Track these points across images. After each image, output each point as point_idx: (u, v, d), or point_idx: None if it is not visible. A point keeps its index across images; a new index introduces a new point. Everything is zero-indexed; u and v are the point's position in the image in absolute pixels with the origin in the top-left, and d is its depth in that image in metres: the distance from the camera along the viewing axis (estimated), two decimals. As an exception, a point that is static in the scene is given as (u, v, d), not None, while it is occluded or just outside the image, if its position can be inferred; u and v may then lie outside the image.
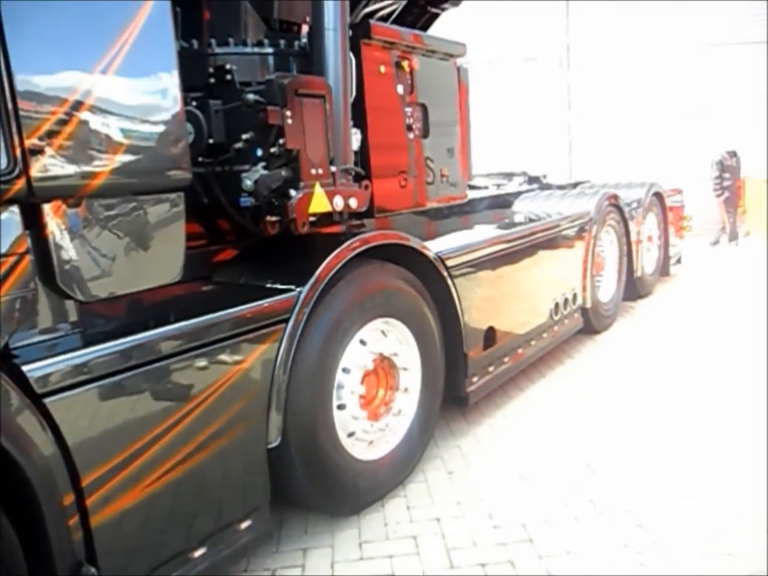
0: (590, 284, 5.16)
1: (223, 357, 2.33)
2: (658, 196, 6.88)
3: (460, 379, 3.56)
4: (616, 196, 5.76)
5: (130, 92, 2.08)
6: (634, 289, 6.27)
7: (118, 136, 2.03)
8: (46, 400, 1.81)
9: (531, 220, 4.82)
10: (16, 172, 1.81)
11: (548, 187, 6.65)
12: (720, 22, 10.63)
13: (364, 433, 2.96)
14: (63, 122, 1.90)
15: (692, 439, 3.42)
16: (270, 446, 2.51)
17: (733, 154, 9.71)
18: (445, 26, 4.88)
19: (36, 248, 1.92)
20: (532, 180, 6.97)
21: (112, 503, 1.98)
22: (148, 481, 2.08)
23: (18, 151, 1.80)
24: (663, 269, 7.20)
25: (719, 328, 5.50)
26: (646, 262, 6.61)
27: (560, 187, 6.50)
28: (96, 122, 1.98)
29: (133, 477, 2.04)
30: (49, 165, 1.87)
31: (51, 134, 1.87)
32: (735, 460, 3.18)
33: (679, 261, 7.72)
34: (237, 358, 2.37)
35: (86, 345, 1.98)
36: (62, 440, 1.84)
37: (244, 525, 2.44)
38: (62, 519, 1.84)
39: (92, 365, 1.93)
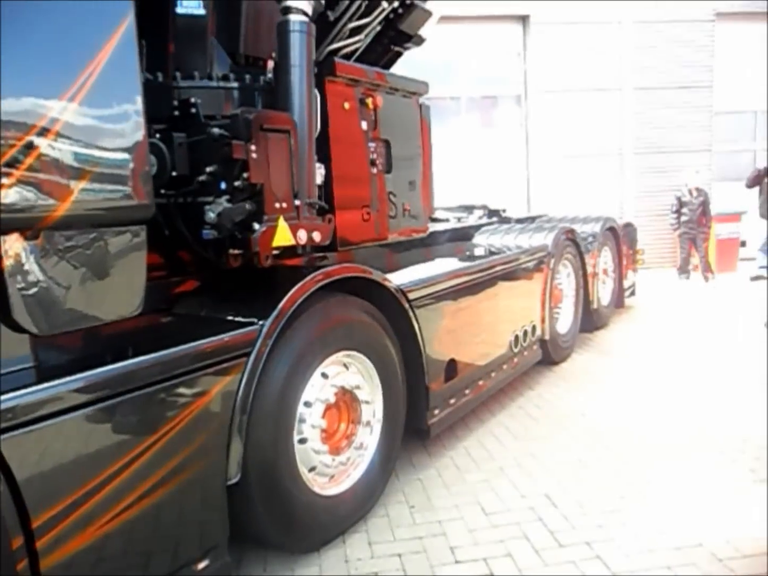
0: (549, 316, 5.27)
1: (183, 391, 2.29)
2: (612, 229, 7.11)
3: (422, 411, 3.56)
4: (572, 231, 5.92)
5: (93, 123, 2.07)
6: (590, 320, 6.43)
7: (79, 168, 2.01)
8: (-3, 438, 1.75)
9: (491, 254, 4.91)
10: (-28, 203, 1.77)
11: (508, 220, 6.80)
12: (667, 66, 11.16)
13: (326, 468, 2.93)
14: (23, 152, 1.87)
15: (653, 464, 3.49)
16: (229, 482, 2.46)
17: (698, 191, 9.81)
18: (407, 65, 5.00)
19: (-9, 281, 1.88)
20: (492, 213, 7.12)
21: (64, 545, 1.92)
22: (102, 521, 2.02)
23: (-25, 182, 1.77)
24: (618, 301, 7.40)
25: (671, 355, 5.68)
26: (602, 294, 6.80)
27: (519, 221, 6.65)
28: (57, 153, 1.96)
29: (86, 517, 1.97)
30: (7, 196, 1.84)
31: (10, 164, 1.84)
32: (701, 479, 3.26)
33: (633, 293, 7.95)
34: (197, 392, 2.33)
35: (40, 381, 1.92)
36: (12, 480, 1.78)
37: (202, 565, 2.38)
38: (10, 563, 1.77)
39: (46, 402, 1.88)
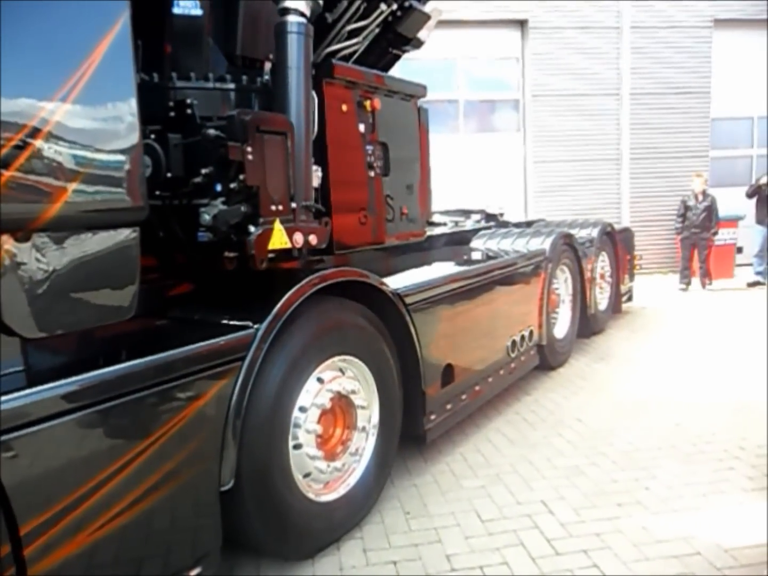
0: (546, 321, 5.25)
1: (177, 396, 2.26)
2: (610, 235, 7.10)
3: (418, 417, 3.53)
4: (570, 236, 5.91)
5: (87, 124, 2.03)
6: (587, 326, 6.42)
7: (72, 168, 1.98)
8: (-17, 444, 1.72)
9: (489, 258, 4.89)
10: (-37, 204, 1.74)
11: (505, 225, 6.79)
12: (664, 72, 11.19)
13: (320, 474, 2.89)
14: (15, 153, 1.84)
15: (650, 471, 3.47)
16: (223, 488, 2.43)
17: (704, 196, 9.63)
18: (405, 68, 4.98)
19: (-20, 283, 1.84)
20: (490, 218, 7.11)
21: (53, 553, 1.88)
22: (92, 527, 1.98)
23: (-34, 183, 1.74)
24: (615, 306, 7.38)
25: (669, 360, 5.66)
26: (599, 299, 6.78)
27: (517, 225, 6.64)
28: (50, 153, 1.93)
29: (76, 524, 1.94)
30: (-1, 197, 1.81)
31: (2, 165, 1.81)
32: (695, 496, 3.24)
33: (630, 298, 7.94)
34: (191, 396, 2.30)
35: (30, 385, 1.89)
36: (0, 486, 1.74)
37: (194, 572, 2.33)
38: (-3, 572, 1.74)
39: (35, 406, 1.84)
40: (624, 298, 7.68)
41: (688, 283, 9.81)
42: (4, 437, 1.76)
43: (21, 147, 1.85)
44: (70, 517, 1.92)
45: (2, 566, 1.74)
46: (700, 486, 3.33)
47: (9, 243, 1.87)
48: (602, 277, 6.90)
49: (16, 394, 1.82)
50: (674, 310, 8.21)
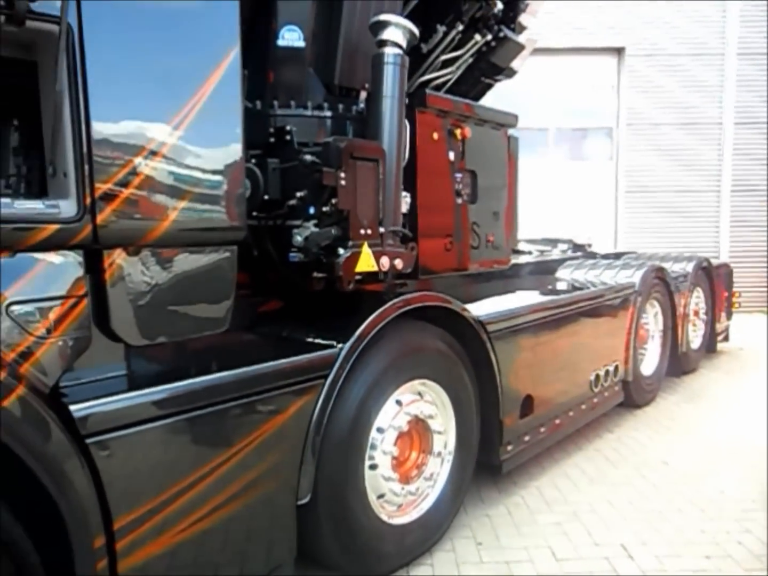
0: (633, 357, 5.06)
1: (262, 408, 2.36)
2: (706, 270, 6.78)
3: (495, 446, 3.49)
4: (662, 269, 5.69)
5: (196, 148, 2.18)
6: (678, 364, 6.13)
7: (180, 190, 2.13)
8: (88, 441, 1.85)
9: (575, 288, 4.79)
10: (84, 219, 1.91)
11: (593, 256, 6.63)
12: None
13: (394, 496, 2.91)
14: (132, 173, 2.00)
15: (742, 523, 3.26)
16: (300, 502, 2.49)
17: None
18: (498, 96, 5.01)
19: (93, 292, 2.00)
20: (577, 248, 6.95)
21: (140, 549, 2.00)
22: (177, 529, 2.09)
23: (88, 200, 1.91)
24: (709, 345, 7.01)
25: (763, 409, 5.30)
26: (692, 337, 6.46)
27: (605, 257, 6.46)
28: (162, 175, 2.08)
29: (163, 524, 2.05)
30: (115, 214, 1.97)
31: (120, 184, 1.98)
32: None
33: (726, 338, 7.52)
34: (274, 410, 2.39)
35: (130, 389, 2.03)
36: (99, 482, 1.87)
37: (267, 582, 2.41)
38: (91, 561, 1.86)
39: (135, 409, 1.98)
40: (720, 338, 7.28)
41: None
42: (106, 436, 1.90)
43: (137, 171, 2.01)
44: (157, 517, 2.03)
45: (96, 557, 1.86)
46: (797, 544, 3.10)
47: (121, 257, 2.03)
48: (696, 314, 6.58)
49: (117, 397, 1.96)
50: (775, 353, 7.70)
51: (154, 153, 2.05)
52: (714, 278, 6.92)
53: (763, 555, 3.02)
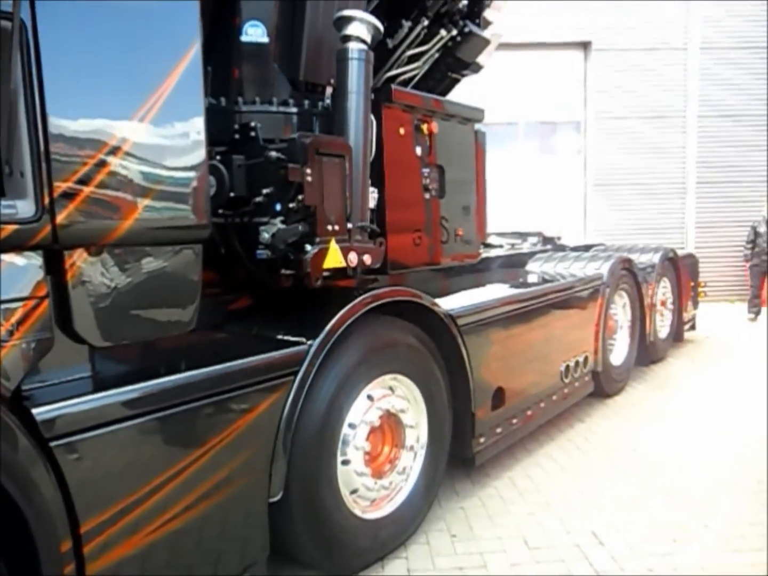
0: (602, 348, 5.14)
1: (231, 407, 2.34)
2: (672, 261, 6.91)
3: (467, 439, 3.52)
4: (629, 261, 5.78)
5: (157, 145, 2.16)
6: (646, 353, 6.24)
7: (142, 188, 2.10)
8: (52, 444, 1.82)
9: (544, 281, 4.84)
10: (43, 219, 1.87)
11: (562, 248, 6.71)
12: (731, 94, 10.84)
13: (368, 491, 2.92)
14: (91, 174, 1.97)
15: (709, 506, 3.34)
16: (272, 500, 2.48)
17: None
18: (465, 90, 5.03)
19: (55, 293, 1.97)
20: (547, 241, 7.04)
21: (110, 552, 1.97)
22: (147, 530, 2.07)
23: (47, 200, 1.87)
24: (677, 334, 7.15)
25: (730, 392, 5.43)
26: (660, 327, 6.59)
27: (574, 249, 6.55)
28: (123, 173, 2.05)
29: (132, 525, 2.03)
30: (75, 214, 1.93)
31: (79, 184, 1.94)
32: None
33: (693, 327, 7.68)
34: (245, 408, 2.38)
35: (95, 390, 2.00)
36: (65, 485, 1.85)
37: (241, 580, 2.40)
38: (58, 565, 1.83)
39: (100, 411, 1.95)
40: (686, 327, 7.44)
41: (758, 313, 9.40)
42: (71, 438, 1.87)
43: (97, 166, 1.98)
44: (126, 519, 2.01)
45: (63, 561, 1.84)
46: (764, 526, 3.17)
47: (82, 257, 2.00)
48: (663, 303, 6.72)
49: (82, 399, 1.93)
50: (740, 341, 7.88)
51: (114, 151, 2.02)
52: (680, 269, 7.06)
53: (730, 537, 3.09)
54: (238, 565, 2.41)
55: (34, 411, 1.81)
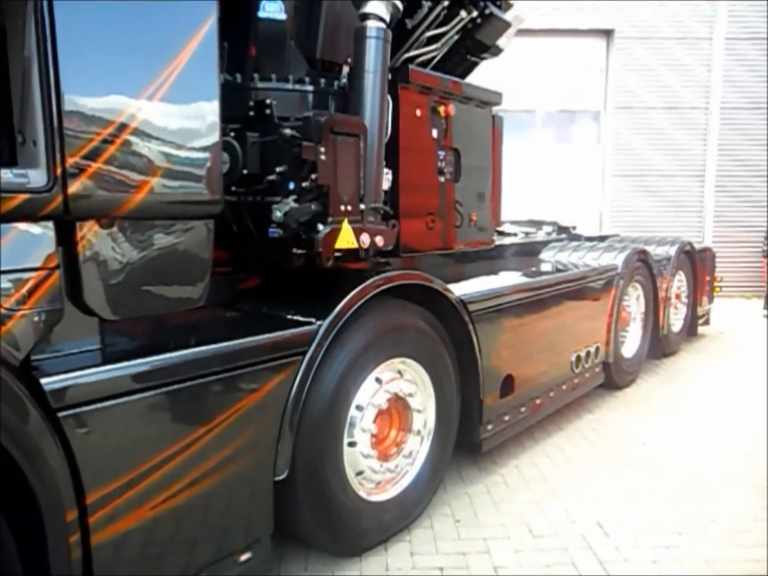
0: (614, 339, 5.09)
1: (239, 384, 2.34)
2: (689, 254, 6.82)
3: (475, 425, 3.51)
4: (645, 252, 5.71)
5: (171, 120, 2.13)
6: (659, 346, 6.19)
7: (155, 161, 2.08)
8: (60, 414, 1.83)
9: (558, 270, 4.80)
10: (55, 189, 1.86)
11: (577, 238, 6.64)
12: (757, 86, 10.64)
13: (373, 473, 2.92)
14: (104, 144, 1.95)
15: (715, 501, 3.31)
16: (277, 478, 2.49)
17: None
18: (482, 75, 4.96)
19: (66, 264, 1.96)
20: (562, 230, 6.96)
21: (114, 523, 1.98)
22: (152, 503, 2.08)
23: (59, 170, 1.86)
24: (690, 328, 7.08)
25: (742, 387, 5.38)
26: (673, 320, 6.52)
27: (589, 239, 6.48)
28: (135, 146, 2.03)
29: (138, 498, 2.03)
30: (87, 185, 1.92)
31: (91, 155, 1.92)
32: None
33: (707, 322, 7.59)
34: (252, 386, 2.38)
35: (104, 363, 2.00)
36: (71, 456, 1.85)
37: (245, 557, 2.41)
38: (63, 535, 1.84)
39: (108, 383, 1.95)
40: (701, 321, 7.35)
41: None
42: (79, 410, 1.87)
43: (109, 140, 1.96)
44: (132, 491, 2.02)
45: (69, 531, 1.85)
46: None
47: (94, 229, 1.99)
48: (678, 297, 6.64)
49: (91, 370, 1.93)
50: (754, 337, 7.78)
51: (127, 123, 2.00)
52: (696, 262, 6.97)
53: (736, 532, 3.07)
54: (242, 542, 2.42)
55: (43, 381, 1.81)
